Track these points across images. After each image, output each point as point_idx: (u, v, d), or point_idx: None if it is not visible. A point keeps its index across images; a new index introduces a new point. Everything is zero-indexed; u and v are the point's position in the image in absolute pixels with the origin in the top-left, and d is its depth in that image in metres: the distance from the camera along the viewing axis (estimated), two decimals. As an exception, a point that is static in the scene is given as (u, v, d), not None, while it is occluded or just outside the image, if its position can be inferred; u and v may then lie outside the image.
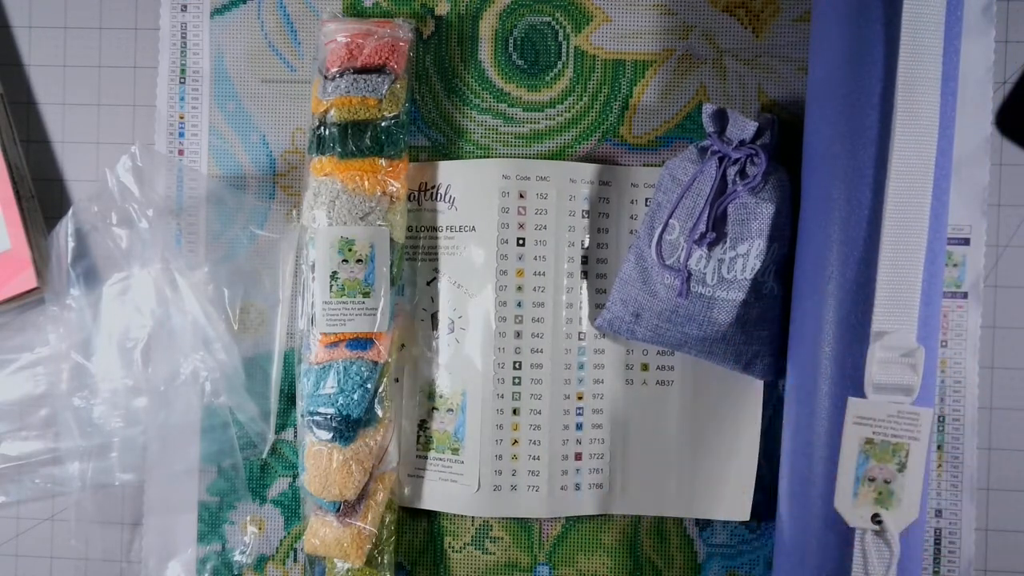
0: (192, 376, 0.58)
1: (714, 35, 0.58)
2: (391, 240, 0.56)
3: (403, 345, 0.59)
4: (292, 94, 0.60)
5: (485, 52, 0.59)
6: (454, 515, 0.59)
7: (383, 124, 0.55)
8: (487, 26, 0.59)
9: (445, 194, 0.58)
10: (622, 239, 0.58)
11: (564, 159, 0.59)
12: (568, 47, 0.59)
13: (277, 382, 0.59)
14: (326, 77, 0.56)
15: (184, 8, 0.60)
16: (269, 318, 0.59)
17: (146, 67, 0.61)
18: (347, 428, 0.55)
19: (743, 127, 0.53)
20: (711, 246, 0.53)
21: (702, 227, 0.53)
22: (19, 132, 0.61)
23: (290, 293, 0.59)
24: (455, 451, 0.58)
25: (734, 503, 0.57)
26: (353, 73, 0.55)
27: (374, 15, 0.59)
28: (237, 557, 0.60)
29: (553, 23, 0.59)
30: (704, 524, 0.59)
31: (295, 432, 0.60)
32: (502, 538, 0.59)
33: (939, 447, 0.57)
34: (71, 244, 0.59)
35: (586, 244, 0.58)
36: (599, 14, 0.58)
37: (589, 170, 0.58)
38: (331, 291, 0.55)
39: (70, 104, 0.61)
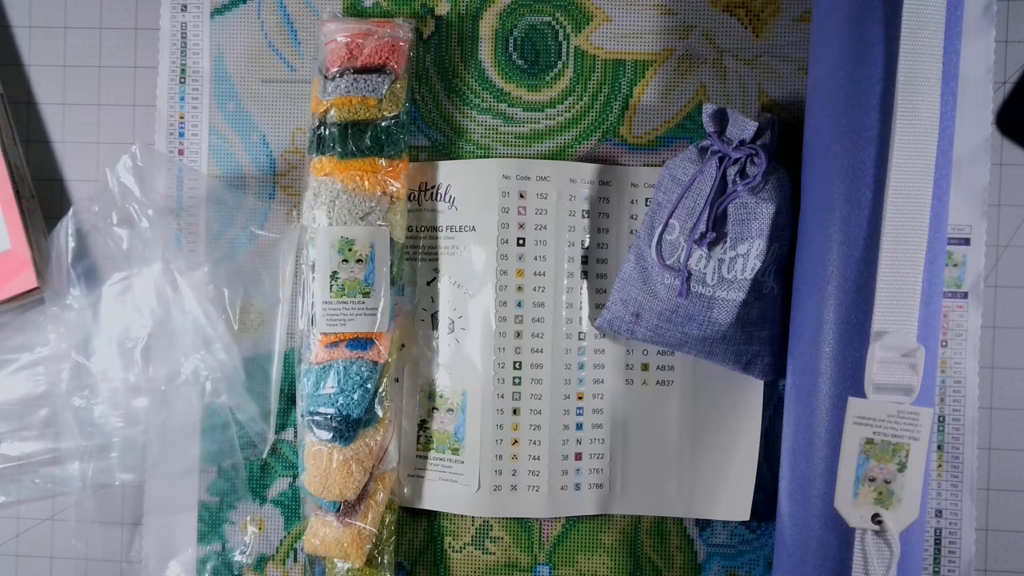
0: (192, 376, 0.58)
1: (714, 35, 0.58)
2: (391, 240, 0.56)
3: (403, 345, 0.59)
4: (292, 94, 0.60)
5: (485, 52, 0.59)
6: (454, 515, 0.59)
7: (383, 124, 0.55)
8: (487, 26, 0.59)
9: (445, 194, 0.58)
10: (622, 239, 0.58)
11: (564, 159, 0.59)
12: (568, 47, 0.59)
13: (277, 382, 0.59)
14: (326, 77, 0.56)
15: (184, 8, 0.60)
16: (269, 318, 0.59)
17: (146, 67, 0.61)
18: (347, 428, 0.55)
19: (743, 127, 0.53)
20: (711, 246, 0.53)
21: (702, 227, 0.53)
22: (19, 132, 0.61)
23: (290, 293, 0.59)
24: (455, 451, 0.58)
25: (734, 503, 0.57)
26: (353, 73, 0.55)
27: (374, 15, 0.59)
28: (237, 557, 0.60)
29: (553, 23, 0.59)
30: (704, 524, 0.59)
31: (295, 432, 0.60)
32: (502, 538, 0.59)
33: (939, 447, 0.57)
34: (71, 244, 0.59)
35: (586, 244, 0.58)
36: (599, 14, 0.58)
37: (589, 170, 0.58)
38: (331, 291, 0.55)
39: (70, 104, 0.61)
